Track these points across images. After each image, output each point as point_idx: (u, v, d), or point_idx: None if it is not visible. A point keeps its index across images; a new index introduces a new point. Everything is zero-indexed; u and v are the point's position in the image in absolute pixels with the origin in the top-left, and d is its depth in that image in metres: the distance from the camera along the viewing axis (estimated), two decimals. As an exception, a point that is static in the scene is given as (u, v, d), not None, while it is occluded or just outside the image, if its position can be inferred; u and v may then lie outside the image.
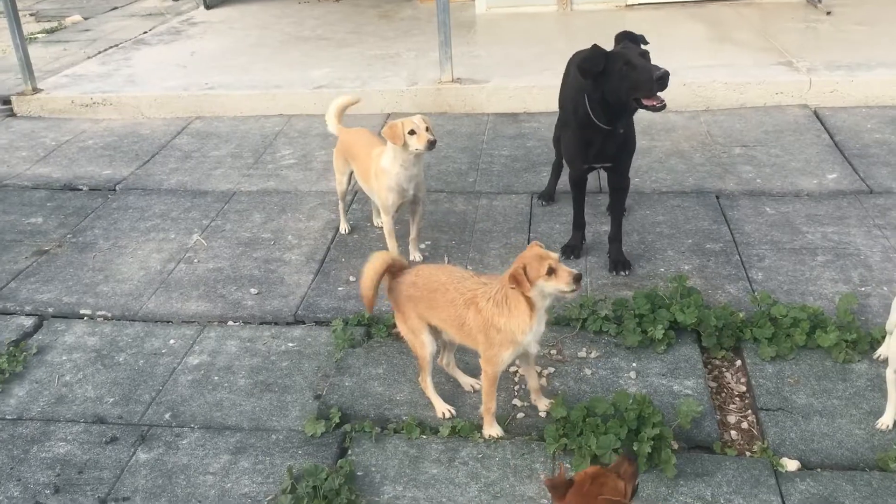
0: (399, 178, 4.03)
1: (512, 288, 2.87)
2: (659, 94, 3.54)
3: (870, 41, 6.87)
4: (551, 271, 2.83)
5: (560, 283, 2.84)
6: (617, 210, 4.13)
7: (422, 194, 4.22)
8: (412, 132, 3.87)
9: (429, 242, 4.51)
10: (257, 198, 5.18)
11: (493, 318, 2.94)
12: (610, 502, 2.10)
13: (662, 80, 3.48)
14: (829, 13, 7.82)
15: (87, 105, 6.79)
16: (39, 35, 10.25)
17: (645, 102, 3.58)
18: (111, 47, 8.82)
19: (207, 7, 10.32)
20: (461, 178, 5.31)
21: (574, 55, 4.24)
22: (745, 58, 6.65)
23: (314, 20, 9.28)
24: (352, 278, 4.20)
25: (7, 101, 7.02)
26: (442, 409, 3.22)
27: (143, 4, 11.68)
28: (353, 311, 3.92)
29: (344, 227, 4.69)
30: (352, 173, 4.46)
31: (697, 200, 4.79)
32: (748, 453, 2.98)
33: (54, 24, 10.65)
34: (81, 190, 5.43)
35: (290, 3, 10.39)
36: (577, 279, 2.84)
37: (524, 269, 2.83)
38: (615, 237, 4.14)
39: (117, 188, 5.41)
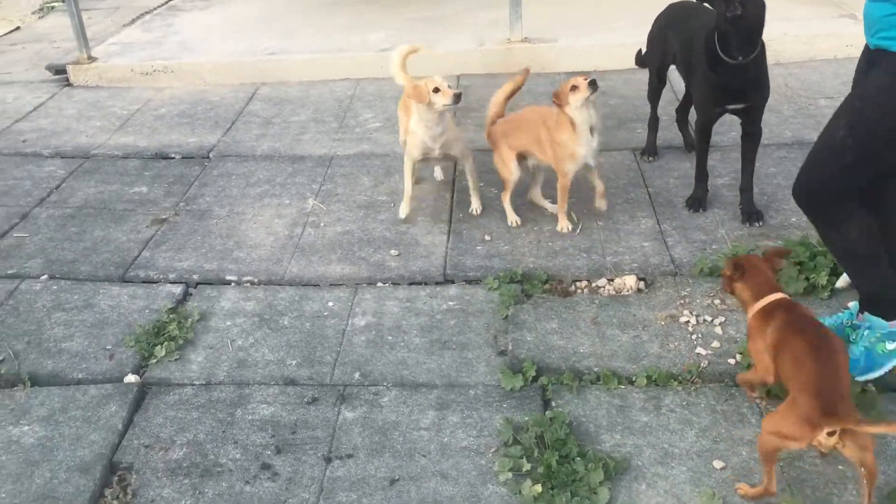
0: (424, 137, 4.16)
1: (557, 106, 3.91)
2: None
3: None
4: (574, 88, 3.85)
5: (582, 94, 3.83)
6: (749, 159, 4.20)
7: (457, 152, 4.32)
8: (436, 90, 3.99)
9: (550, 200, 4.55)
10: (357, 161, 5.17)
11: (554, 135, 4.00)
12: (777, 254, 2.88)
13: None
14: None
15: (147, 73, 6.68)
16: (56, 3, 10.00)
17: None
18: (144, 14, 8.64)
19: (227, -27, 10.10)
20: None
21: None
22: (804, 11, 6.74)
23: (345, -17, 9.15)
24: (487, 237, 4.24)
25: (61, 71, 6.87)
26: (512, 218, 4.30)
27: (152, -30, 11.40)
28: (499, 268, 3.97)
29: (440, 174, 4.86)
30: None
31: (801, 152, 4.88)
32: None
33: (69, -9, 10.37)
34: (174, 158, 5.37)
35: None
36: (592, 84, 3.79)
37: (558, 93, 3.89)
38: (747, 187, 4.22)
39: (210, 155, 5.36)
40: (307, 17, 7.75)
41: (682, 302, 3.64)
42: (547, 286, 3.85)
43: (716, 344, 3.36)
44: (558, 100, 3.93)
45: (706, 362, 3.28)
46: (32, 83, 6.89)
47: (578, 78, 3.89)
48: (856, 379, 2.96)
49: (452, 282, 3.95)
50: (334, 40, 6.96)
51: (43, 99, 6.49)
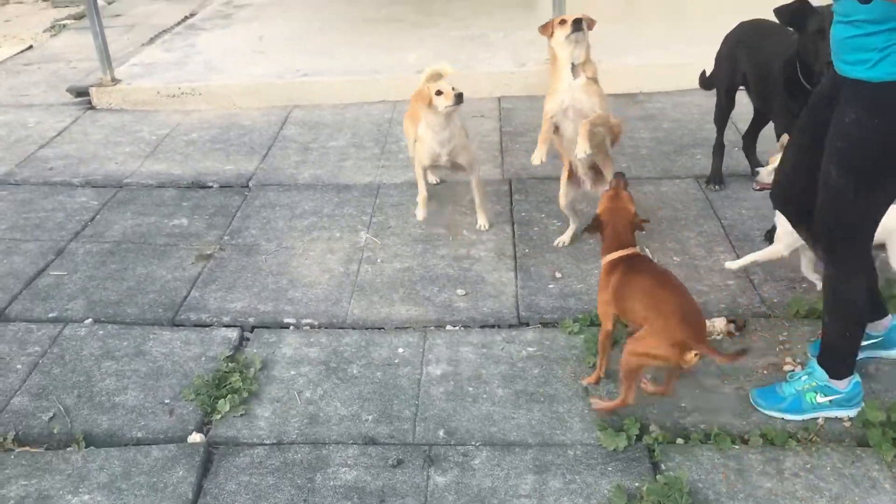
0: (432, 143, 4.14)
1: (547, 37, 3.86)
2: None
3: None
4: (439, 93, 3.93)
5: (566, 30, 3.77)
6: None
7: (464, 161, 4.26)
8: (439, 92, 3.98)
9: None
10: (406, 190, 4.92)
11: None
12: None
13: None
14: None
15: (173, 96, 6.42)
16: (68, 21, 9.76)
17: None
18: (162, 33, 8.40)
19: (244, -11, 9.86)
20: (613, 163, 5.09)
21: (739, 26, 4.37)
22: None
23: (369, 1, 8.93)
24: (557, 274, 4.00)
25: (82, 93, 6.60)
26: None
27: (162, -14, 11.17)
28: (576, 310, 3.72)
29: (433, 178, 4.90)
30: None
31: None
32: None
33: (81, 8, 10.10)
34: (211, 187, 5.10)
35: (331, -17, 9.99)
36: (577, 22, 3.73)
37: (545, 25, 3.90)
38: None
39: (250, 184, 5.10)
40: (337, 37, 7.51)
41: (782, 348, 3.39)
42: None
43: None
44: (545, 31, 3.92)
45: (823, 419, 3.02)
46: (53, 106, 6.62)
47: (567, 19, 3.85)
48: (769, 412, 3.03)
49: (528, 324, 3.69)
50: (368, 61, 6.72)
51: (66, 123, 6.22)
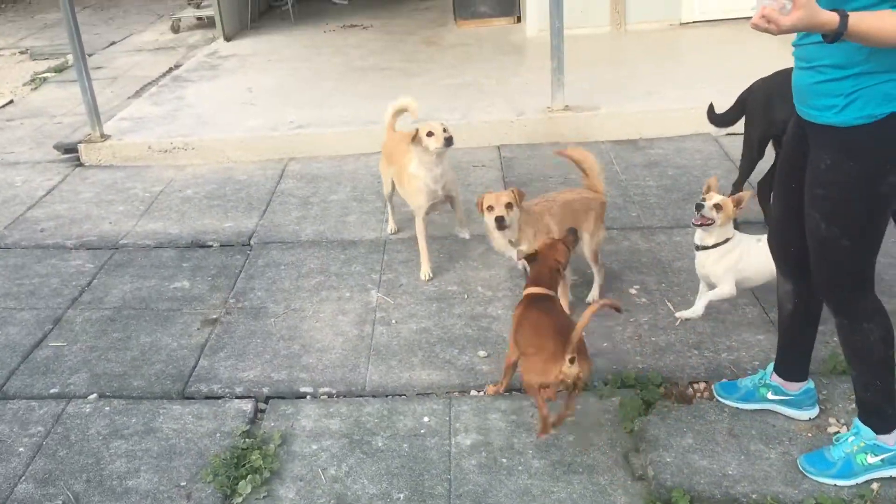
0: (426, 179, 4.25)
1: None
2: None
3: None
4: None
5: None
6: None
7: (455, 193, 4.49)
8: (430, 133, 4.12)
9: (637, 286, 4.21)
10: (413, 245, 4.77)
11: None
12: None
13: None
14: None
15: (166, 151, 6.27)
16: (48, 74, 9.60)
17: None
18: (148, 85, 8.28)
19: (227, 39, 9.79)
20: (622, 212, 5.02)
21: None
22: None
23: (356, 49, 8.89)
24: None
25: (70, 150, 6.43)
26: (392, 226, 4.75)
27: (142, 38, 11.11)
28: (605, 370, 3.59)
29: (392, 227, 4.93)
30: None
31: None
32: None
33: (60, 61, 9.98)
34: (212, 246, 4.93)
35: (315, 32, 9.97)
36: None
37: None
38: None
39: (252, 242, 4.94)
40: (328, 86, 7.42)
41: (824, 408, 3.27)
42: (661, 389, 3.46)
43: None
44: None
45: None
46: (40, 163, 6.44)
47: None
48: (820, 479, 2.90)
49: (554, 387, 3.53)
50: (363, 111, 6.62)
51: (55, 181, 6.04)
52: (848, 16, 2.21)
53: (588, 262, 4.09)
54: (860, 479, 2.88)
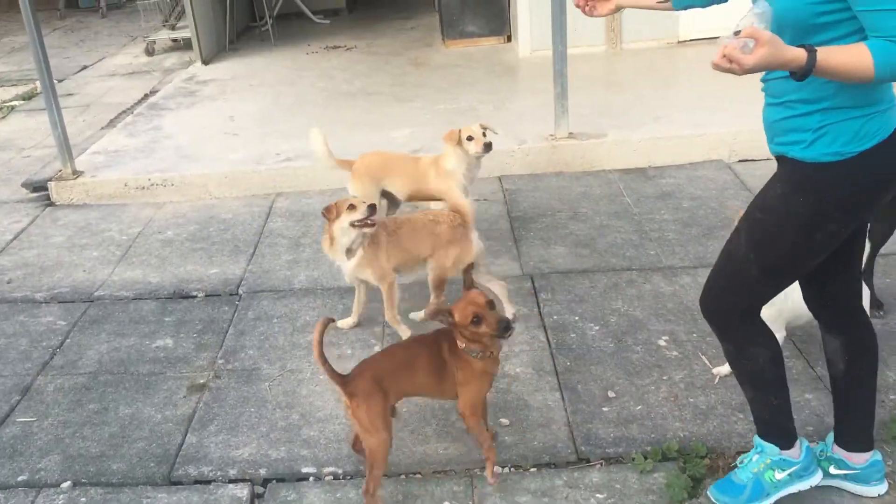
0: (464, 180, 4.41)
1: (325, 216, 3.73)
2: None
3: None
4: (470, 138, 4.20)
5: (358, 214, 3.65)
6: None
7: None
8: (470, 137, 4.33)
9: (666, 337, 3.86)
10: (417, 292, 4.40)
11: (322, 245, 3.88)
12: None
13: None
14: None
15: (143, 188, 5.85)
16: (16, 102, 9.15)
17: None
18: (122, 114, 7.87)
19: (205, 62, 9.39)
20: (639, 250, 4.67)
21: None
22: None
23: (341, 72, 8.53)
24: (610, 393, 3.50)
25: (40, 188, 5.99)
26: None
27: (115, 62, 10.69)
28: (642, 439, 3.22)
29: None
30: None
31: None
32: None
33: (29, 87, 9.53)
34: (196, 297, 4.52)
35: (296, 54, 9.61)
36: (372, 208, 3.65)
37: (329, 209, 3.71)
38: None
39: (240, 291, 4.53)
40: (314, 113, 7.04)
41: (893, 482, 2.92)
42: (706, 461, 3.10)
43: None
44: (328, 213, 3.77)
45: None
46: (7, 203, 6.00)
47: (359, 202, 3.72)
48: None
49: (589, 461, 3.17)
50: (353, 141, 6.21)
51: (23, 224, 5.61)
52: (816, 52, 2.09)
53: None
54: (772, 499, 2.78)
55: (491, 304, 2.86)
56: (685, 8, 2.97)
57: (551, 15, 5.52)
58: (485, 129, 4.37)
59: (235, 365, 3.87)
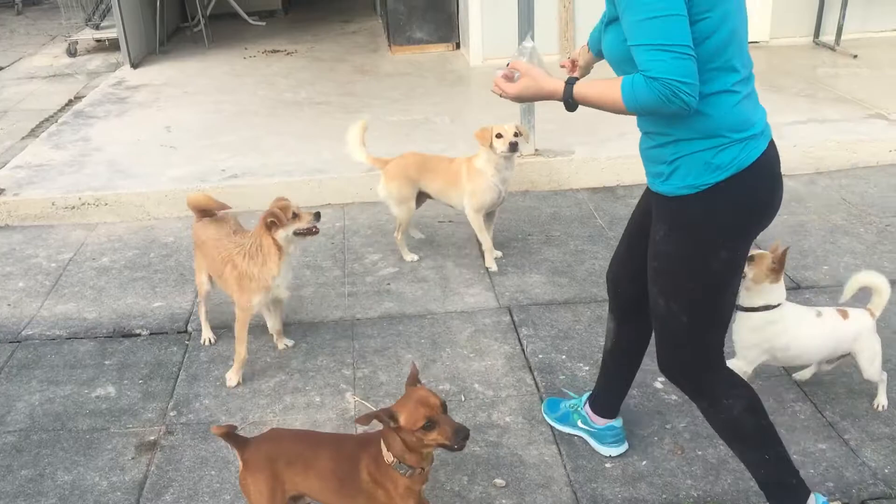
0: (494, 179, 4.31)
1: (269, 225, 3.40)
2: None
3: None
4: (295, 216, 3.44)
5: (303, 223, 3.44)
6: None
7: (503, 200, 4.50)
8: (499, 135, 4.21)
9: (661, 378, 3.59)
10: (387, 328, 4.05)
11: (247, 269, 3.46)
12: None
13: None
14: (855, 56, 7.55)
15: (73, 207, 5.33)
16: (-74, 108, 8.37)
17: None
18: (46, 121, 7.26)
19: (134, 66, 8.81)
20: (620, 279, 4.39)
21: None
22: (832, 111, 6.17)
23: (283, 79, 8.09)
24: (611, 459, 3.20)
25: (-45, 207, 5.40)
26: (207, 335, 3.89)
27: (33, 63, 9.99)
28: (654, 500, 2.93)
29: (409, 258, 4.68)
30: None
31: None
32: None
33: (-64, 91, 8.78)
34: (140, 335, 4.07)
35: (233, 58, 9.11)
36: (317, 216, 3.45)
37: (275, 215, 3.38)
38: None
39: (189, 328, 4.09)
40: (259, 124, 6.59)
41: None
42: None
43: None
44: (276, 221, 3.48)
45: None
46: (-83, 224, 5.39)
47: (303, 211, 3.50)
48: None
49: (596, 526, 2.87)
50: (305, 155, 5.84)
51: (-63, 249, 5.02)
52: (574, 83, 2.20)
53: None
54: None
55: (444, 406, 2.36)
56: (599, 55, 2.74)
57: (518, 26, 5.20)
58: (518, 132, 4.24)
59: (190, 417, 3.44)
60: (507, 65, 2.36)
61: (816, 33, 8.14)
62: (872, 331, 3.22)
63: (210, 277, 3.80)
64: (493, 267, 4.50)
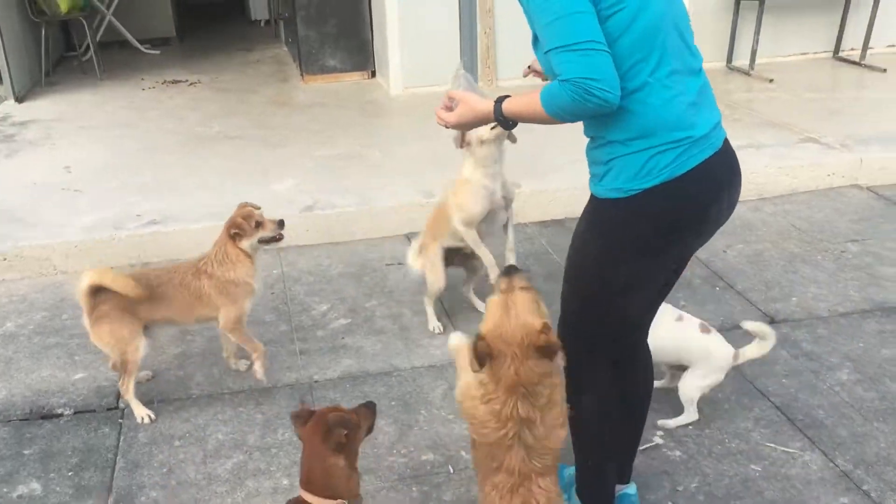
0: (484, 181, 3.72)
1: (234, 236, 3.34)
2: None
3: (851, 111, 6.72)
4: (258, 224, 3.37)
5: (268, 231, 3.40)
6: None
7: (512, 196, 3.90)
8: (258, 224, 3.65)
9: (660, 432, 3.35)
10: (350, 390, 3.66)
11: (225, 275, 3.37)
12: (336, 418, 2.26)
13: None
14: (771, 80, 7.66)
15: (-35, 264, 4.66)
16: None
17: None
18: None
19: (18, 100, 8.05)
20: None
21: None
22: (766, 136, 6.16)
23: (191, 112, 7.54)
24: (624, 515, 2.90)
25: None
26: (141, 413, 3.39)
27: None
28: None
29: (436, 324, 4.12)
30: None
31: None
32: None
33: None
34: (62, 416, 3.51)
35: (130, 89, 8.48)
36: (281, 224, 3.42)
37: (239, 226, 3.34)
38: None
39: (121, 404, 3.57)
40: (177, 163, 6.05)
41: None
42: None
43: None
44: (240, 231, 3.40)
45: None
46: None
47: (266, 219, 3.45)
48: None
49: None
50: (229, 195, 5.32)
51: None
52: (502, 101, 2.21)
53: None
54: None
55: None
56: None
57: (460, 56, 4.91)
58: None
59: (136, 515, 2.93)
60: (446, 95, 2.40)
61: (729, 58, 8.22)
62: (722, 364, 3.19)
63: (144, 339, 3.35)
64: (437, 330, 4.05)
